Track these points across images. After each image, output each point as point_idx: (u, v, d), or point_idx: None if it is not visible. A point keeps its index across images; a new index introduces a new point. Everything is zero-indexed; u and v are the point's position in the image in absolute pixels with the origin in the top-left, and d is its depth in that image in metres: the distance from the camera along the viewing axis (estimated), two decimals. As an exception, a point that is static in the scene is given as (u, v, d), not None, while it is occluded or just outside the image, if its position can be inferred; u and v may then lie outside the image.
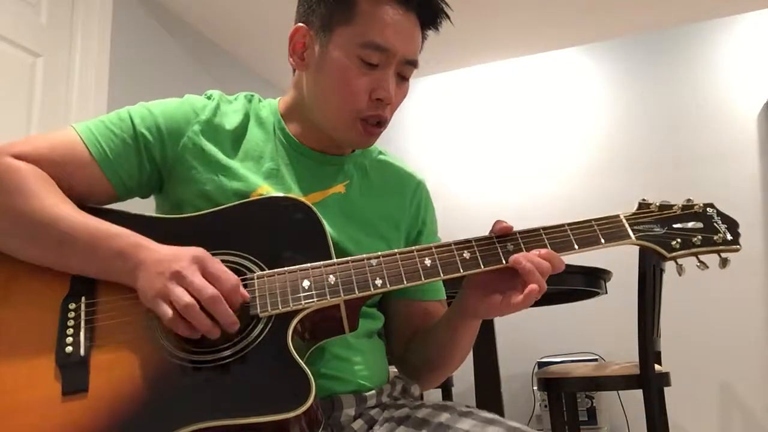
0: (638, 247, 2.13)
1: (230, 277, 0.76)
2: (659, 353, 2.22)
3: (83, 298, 0.80)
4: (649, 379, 1.98)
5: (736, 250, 0.86)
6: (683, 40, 3.44)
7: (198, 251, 0.77)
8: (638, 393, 2.01)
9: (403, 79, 0.96)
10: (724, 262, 0.85)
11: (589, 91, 3.61)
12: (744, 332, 3.05)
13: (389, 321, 1.04)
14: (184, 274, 0.74)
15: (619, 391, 3.00)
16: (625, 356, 2.53)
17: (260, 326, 0.78)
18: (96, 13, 2.69)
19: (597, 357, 2.95)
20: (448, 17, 0.97)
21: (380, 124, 0.95)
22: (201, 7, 3.13)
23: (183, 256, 0.76)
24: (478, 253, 0.83)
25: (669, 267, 2.28)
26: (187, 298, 0.72)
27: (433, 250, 0.83)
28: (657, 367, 2.08)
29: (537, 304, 2.77)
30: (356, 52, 0.90)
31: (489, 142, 3.75)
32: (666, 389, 2.15)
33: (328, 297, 0.79)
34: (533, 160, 3.63)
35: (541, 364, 2.98)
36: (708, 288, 3.09)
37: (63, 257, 0.81)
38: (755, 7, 3.31)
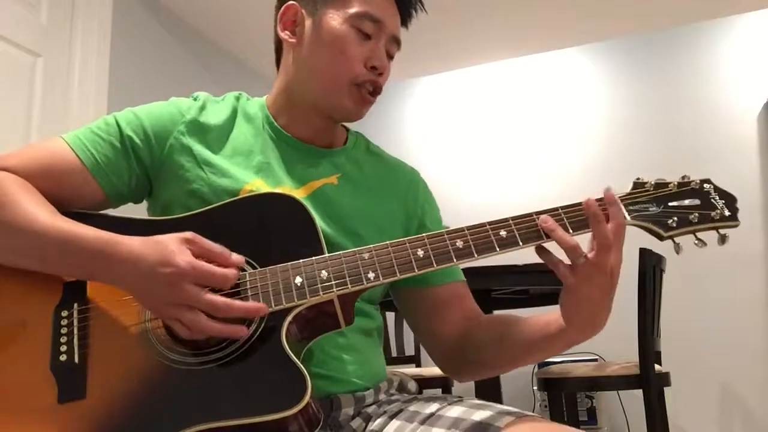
0: (638, 247, 2.11)
1: (218, 272, 0.74)
2: (659, 353, 2.22)
3: (75, 305, 0.80)
4: (649, 379, 1.97)
5: (735, 226, 0.82)
6: (683, 40, 3.44)
7: (175, 245, 0.74)
8: (638, 393, 2.01)
9: (389, 56, 1.00)
10: (722, 239, 0.81)
11: (589, 91, 3.61)
12: (744, 332, 3.05)
13: (424, 319, 1.02)
14: (185, 293, 0.72)
15: (619, 391, 3.00)
16: (625, 356, 2.53)
17: (254, 325, 0.77)
18: (96, 13, 2.69)
19: (597, 357, 2.94)
20: (423, 7, 1.03)
21: (374, 92, 0.97)
22: (201, 6, 3.13)
23: (169, 260, 0.73)
24: (471, 242, 0.81)
25: (669, 267, 2.28)
26: (203, 323, 0.72)
27: (426, 240, 0.81)
28: (657, 367, 2.08)
29: (537, 304, 2.75)
30: (352, 22, 0.94)
31: (489, 142, 3.75)
32: (666, 389, 2.15)
33: (321, 293, 0.78)
34: (533, 160, 3.63)
35: (541, 364, 2.97)
36: (708, 288, 3.09)
37: (42, 262, 0.80)
38: (755, 7, 3.31)
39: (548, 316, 0.87)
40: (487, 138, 3.76)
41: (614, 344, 2.93)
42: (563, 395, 2.30)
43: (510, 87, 3.79)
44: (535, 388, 3.13)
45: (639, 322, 2.02)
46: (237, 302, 0.73)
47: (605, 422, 3.00)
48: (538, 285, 2.06)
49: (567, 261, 0.79)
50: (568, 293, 0.80)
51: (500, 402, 1.94)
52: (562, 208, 0.81)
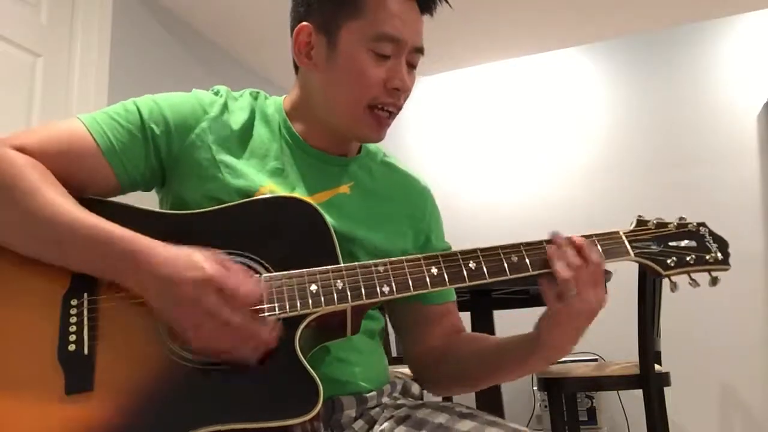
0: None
1: (243, 286, 0.74)
2: (659, 353, 2.22)
3: (85, 294, 0.78)
4: (649, 379, 1.97)
5: (726, 270, 0.89)
6: (683, 40, 3.44)
7: (202, 254, 0.75)
8: (638, 393, 2.01)
9: (411, 66, 0.96)
10: (714, 281, 0.88)
11: (589, 91, 3.61)
12: (744, 332, 3.05)
13: (410, 329, 1.04)
14: (208, 300, 0.72)
15: (619, 391, 3.00)
16: (625, 356, 2.53)
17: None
18: (96, 13, 2.69)
19: (597, 357, 2.94)
20: (447, 1, 0.98)
21: (391, 114, 0.95)
22: (201, 7, 3.13)
23: (197, 264, 0.73)
24: (483, 264, 0.84)
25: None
26: (217, 336, 0.73)
27: (440, 258, 0.84)
28: (657, 367, 2.08)
29: (537, 304, 2.75)
30: (369, 46, 0.90)
31: (489, 142, 3.75)
32: (666, 389, 2.14)
33: (336, 302, 0.79)
34: (533, 160, 3.62)
35: (541, 364, 2.97)
36: (708, 288, 3.08)
37: (62, 255, 0.78)
38: (755, 7, 3.31)
39: (522, 337, 0.91)
40: (488, 138, 3.76)
41: (614, 344, 2.94)
42: (563, 395, 2.29)
43: (510, 87, 3.78)
44: (534, 388, 3.13)
45: (639, 322, 2.02)
46: (255, 325, 0.73)
47: (605, 422, 3.00)
48: (538, 285, 2.05)
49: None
50: (550, 318, 0.85)
51: (500, 401, 1.94)
52: (547, 242, 0.86)
